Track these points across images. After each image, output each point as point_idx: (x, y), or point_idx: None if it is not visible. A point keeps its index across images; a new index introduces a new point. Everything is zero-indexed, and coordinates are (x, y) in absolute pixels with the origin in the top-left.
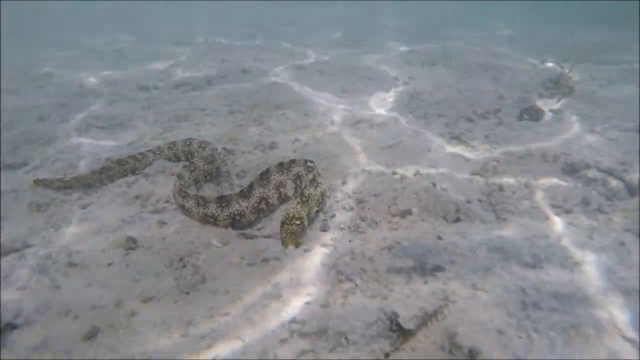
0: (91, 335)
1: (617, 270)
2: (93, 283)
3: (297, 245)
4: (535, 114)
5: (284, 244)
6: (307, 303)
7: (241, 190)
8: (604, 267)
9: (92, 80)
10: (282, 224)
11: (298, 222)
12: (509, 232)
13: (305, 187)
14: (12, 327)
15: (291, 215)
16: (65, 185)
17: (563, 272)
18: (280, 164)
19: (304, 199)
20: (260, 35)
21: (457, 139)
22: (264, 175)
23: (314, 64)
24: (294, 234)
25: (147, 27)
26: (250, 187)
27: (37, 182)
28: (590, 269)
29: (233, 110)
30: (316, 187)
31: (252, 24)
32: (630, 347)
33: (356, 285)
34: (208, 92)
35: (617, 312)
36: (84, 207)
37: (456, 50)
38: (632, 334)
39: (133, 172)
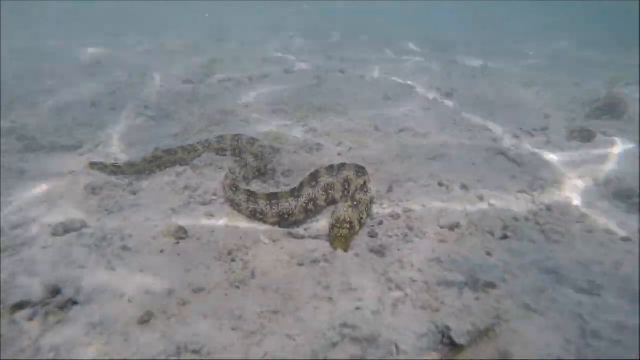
0: (145, 320)
1: None
2: (145, 269)
3: (346, 250)
4: (586, 135)
5: (334, 246)
6: (358, 308)
7: (292, 189)
8: None
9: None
10: (332, 226)
11: (348, 226)
12: (561, 254)
13: (357, 191)
14: (73, 302)
15: (342, 218)
16: (118, 170)
17: (623, 302)
18: (330, 167)
19: (354, 203)
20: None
21: (503, 154)
22: (314, 176)
23: None
24: (345, 238)
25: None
26: (301, 186)
27: (92, 165)
28: None
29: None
30: (366, 192)
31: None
32: None
33: (406, 294)
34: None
35: None
36: (135, 193)
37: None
38: None
39: (181, 163)
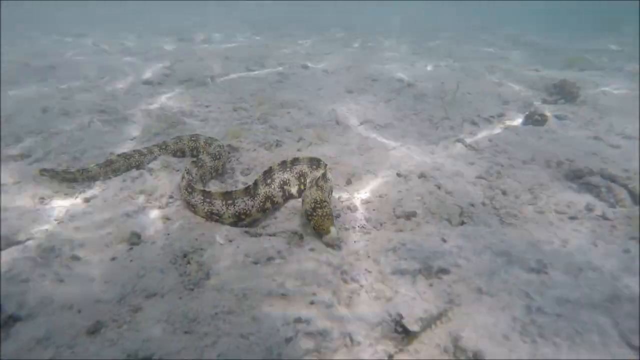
0: (95, 329)
1: (622, 278)
2: (96, 278)
3: (333, 225)
4: (539, 119)
5: (322, 229)
6: (312, 303)
7: (246, 188)
8: (609, 274)
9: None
10: (314, 209)
11: (327, 204)
12: (513, 236)
13: (319, 179)
14: (15, 319)
15: (319, 198)
16: (70, 178)
17: (567, 277)
18: (283, 162)
19: (320, 185)
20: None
21: (461, 141)
22: (268, 174)
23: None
24: (330, 216)
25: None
26: (255, 185)
27: (43, 172)
28: (594, 275)
29: None
30: (327, 181)
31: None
32: (634, 354)
33: (361, 285)
34: None
35: (622, 319)
36: (87, 200)
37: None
38: (636, 341)
39: (137, 167)
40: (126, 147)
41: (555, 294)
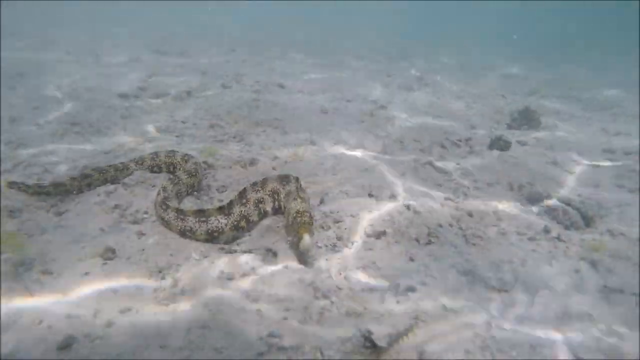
0: (66, 345)
1: (572, 295)
2: (69, 292)
3: (311, 235)
4: (503, 145)
5: (299, 234)
6: (285, 318)
7: (220, 207)
8: (561, 292)
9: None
10: (294, 218)
11: (308, 214)
12: (477, 256)
13: (297, 191)
14: None
15: (301, 209)
16: (42, 191)
17: (525, 296)
18: (254, 183)
19: (302, 199)
20: None
21: (430, 164)
22: (242, 195)
23: None
24: (309, 224)
25: None
26: (230, 204)
27: (11, 185)
28: (549, 293)
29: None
30: (304, 191)
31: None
32: None
33: (332, 302)
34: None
35: (571, 335)
36: (60, 214)
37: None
38: (583, 354)
39: (113, 182)
40: (100, 160)
41: (514, 312)
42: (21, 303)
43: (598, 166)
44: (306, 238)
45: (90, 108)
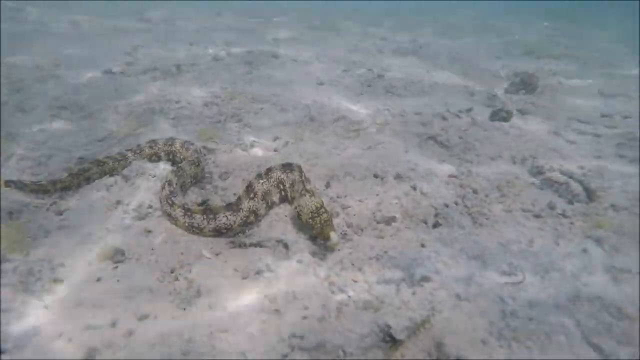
0: (88, 358)
1: (582, 278)
2: (84, 301)
3: (335, 230)
4: (505, 116)
5: (323, 236)
6: (305, 317)
7: (228, 204)
8: (570, 274)
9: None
10: (312, 218)
11: (324, 210)
12: (485, 238)
13: (301, 182)
14: None
15: (316, 206)
16: (40, 189)
17: (535, 279)
18: (259, 175)
19: (311, 192)
20: None
21: (432, 139)
22: (250, 189)
23: None
24: (329, 221)
25: None
26: (239, 200)
27: (8, 184)
28: (558, 275)
29: None
30: (309, 182)
31: None
32: (595, 353)
33: (349, 296)
34: None
35: (583, 319)
36: (61, 213)
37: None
38: (596, 339)
39: (111, 174)
40: (95, 149)
41: (526, 297)
42: (36, 317)
43: (599, 135)
44: (333, 237)
45: (77, 88)
